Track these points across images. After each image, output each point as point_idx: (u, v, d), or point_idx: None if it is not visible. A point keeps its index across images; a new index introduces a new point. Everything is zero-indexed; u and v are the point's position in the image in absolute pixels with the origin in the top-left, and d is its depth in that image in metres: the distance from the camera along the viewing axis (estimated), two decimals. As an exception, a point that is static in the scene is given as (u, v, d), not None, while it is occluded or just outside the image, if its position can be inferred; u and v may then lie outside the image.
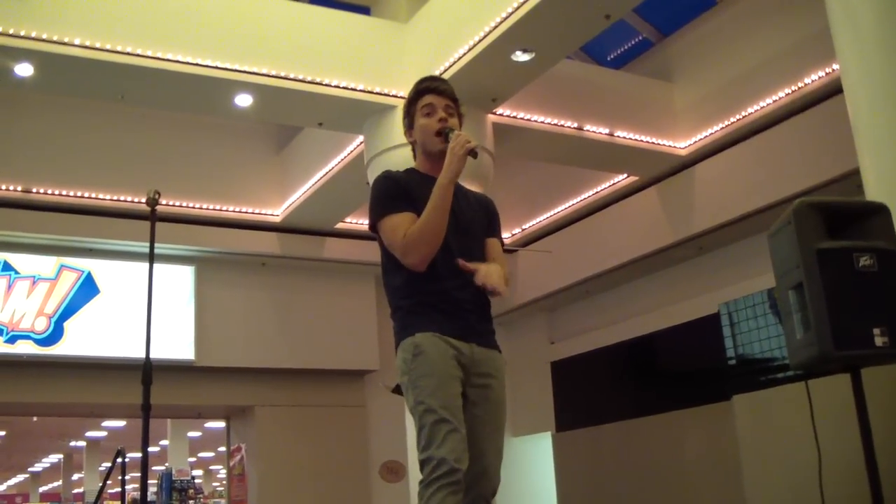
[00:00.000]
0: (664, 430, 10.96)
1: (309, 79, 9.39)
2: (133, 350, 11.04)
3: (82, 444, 28.80)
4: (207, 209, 12.53)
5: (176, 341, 12.26)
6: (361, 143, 10.40)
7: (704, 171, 11.32)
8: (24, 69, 8.61)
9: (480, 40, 8.86)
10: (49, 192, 11.56)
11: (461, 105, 3.96)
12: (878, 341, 4.13)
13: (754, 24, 10.84)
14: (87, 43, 8.47)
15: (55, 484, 39.01)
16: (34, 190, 11.49)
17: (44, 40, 8.32)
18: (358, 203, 12.12)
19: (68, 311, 11.91)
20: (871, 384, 4.34)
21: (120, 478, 9.45)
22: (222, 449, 18.23)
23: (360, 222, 13.05)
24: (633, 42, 12.57)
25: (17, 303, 11.65)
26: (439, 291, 3.62)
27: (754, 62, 10.73)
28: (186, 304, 12.57)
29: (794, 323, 4.41)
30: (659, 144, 11.40)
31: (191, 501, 15.37)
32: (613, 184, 12.68)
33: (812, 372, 4.64)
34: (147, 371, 5.66)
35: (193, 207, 12.40)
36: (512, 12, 8.39)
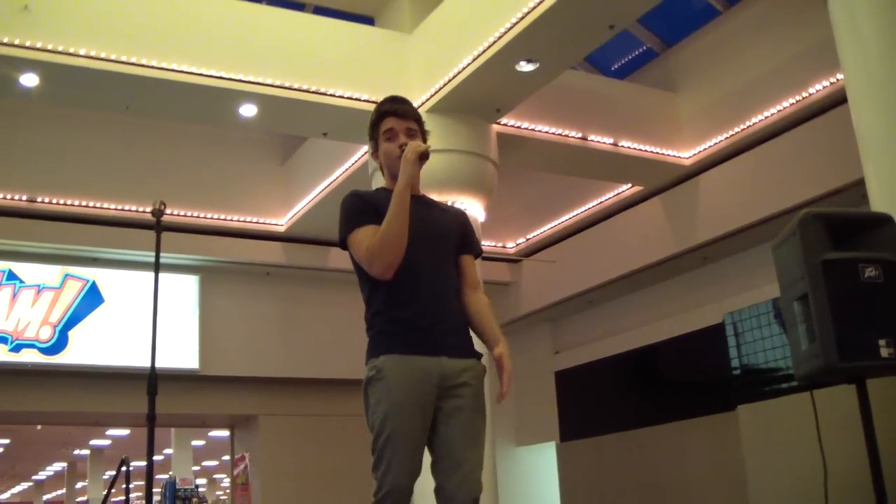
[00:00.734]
0: (668, 441, 10.94)
1: (313, 89, 9.40)
2: (137, 359, 11.08)
3: (86, 452, 28.74)
4: (212, 219, 12.55)
5: (180, 350, 12.26)
6: (366, 152, 10.41)
7: (708, 181, 11.32)
8: (29, 79, 8.62)
9: (485, 50, 8.86)
10: (54, 201, 11.58)
11: (424, 123, 3.98)
12: (884, 352, 4.13)
13: (758, 35, 10.84)
14: (93, 53, 8.49)
15: (59, 492, 38.96)
16: (39, 199, 11.51)
17: (49, 51, 8.33)
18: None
19: (73, 320, 11.92)
20: (876, 395, 4.34)
21: (124, 486, 9.42)
22: (226, 458, 18.23)
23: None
24: (637, 52, 12.57)
25: (22, 312, 11.66)
26: (407, 306, 3.63)
27: (758, 72, 10.73)
28: (191, 313, 12.58)
29: (799, 334, 4.41)
30: (663, 154, 11.39)
31: (194, 510, 15.34)
32: (617, 194, 12.67)
33: (817, 383, 4.63)
34: (153, 381, 5.66)
35: (198, 217, 12.41)
36: (516, 22, 8.39)
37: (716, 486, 9.92)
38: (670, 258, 11.89)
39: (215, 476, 38.42)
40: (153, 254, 6.03)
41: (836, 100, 9.41)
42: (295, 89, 9.34)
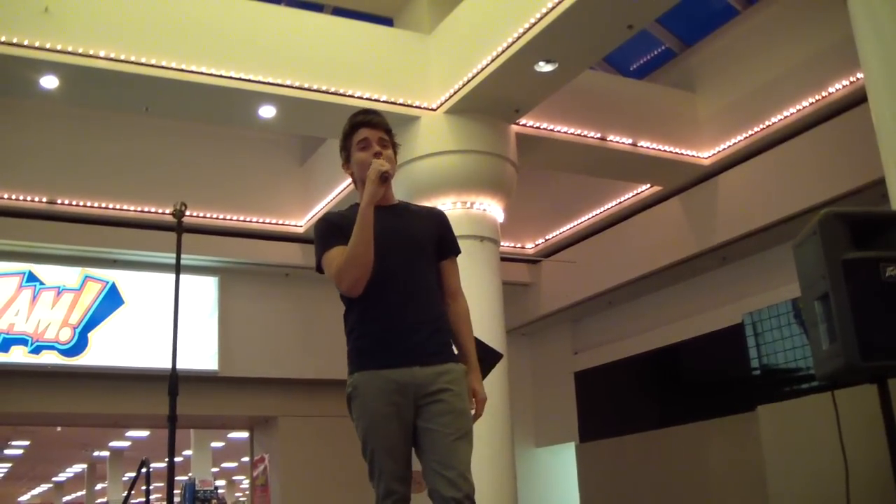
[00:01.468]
0: (688, 441, 10.91)
1: (332, 90, 9.42)
2: (157, 360, 11.14)
3: (106, 454, 28.83)
4: (231, 220, 12.57)
5: (200, 352, 12.31)
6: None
7: (728, 181, 11.28)
8: (49, 81, 8.66)
9: (503, 51, 8.86)
10: (74, 203, 11.63)
11: (394, 135, 4.05)
12: (906, 352, 4.11)
13: (777, 34, 10.80)
14: (113, 55, 8.52)
15: (79, 494, 39.10)
16: (59, 201, 11.55)
17: (69, 53, 8.37)
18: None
19: (93, 321, 11.97)
20: (898, 395, 4.32)
21: (144, 488, 9.44)
22: (245, 459, 18.25)
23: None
24: (655, 52, 12.54)
25: (42, 313, 11.71)
26: (377, 321, 3.72)
27: (777, 71, 10.69)
28: (210, 314, 12.61)
29: (820, 334, 4.39)
30: (682, 154, 11.36)
31: (214, 512, 15.38)
32: (637, 194, 12.65)
33: (838, 383, 4.61)
34: (173, 382, 5.67)
35: (217, 218, 12.44)
36: (535, 23, 8.39)
37: (736, 486, 9.89)
38: (689, 258, 11.86)
39: (234, 478, 38.47)
40: (173, 255, 6.04)
41: (856, 99, 9.37)
42: (314, 90, 9.35)
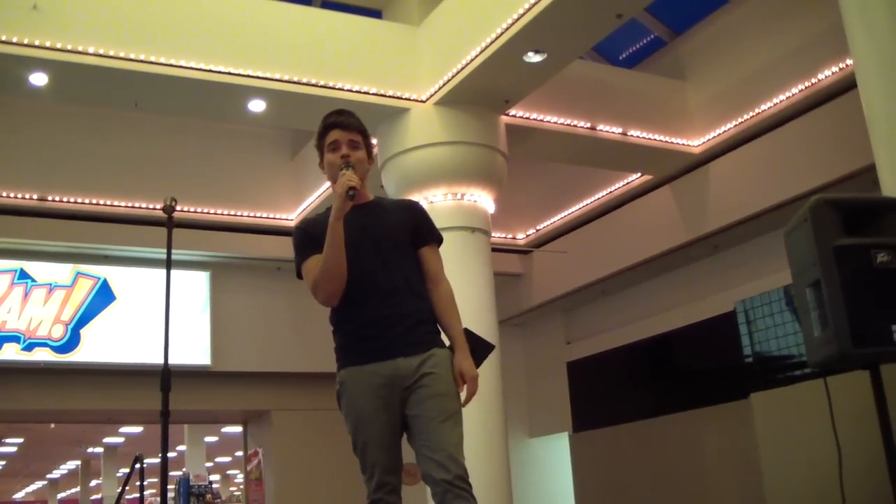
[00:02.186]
0: (682, 430, 10.94)
1: (322, 83, 9.40)
2: (149, 356, 11.13)
3: (100, 450, 28.83)
4: (222, 214, 12.56)
5: (192, 347, 12.30)
6: (375, 146, 10.41)
7: (718, 169, 11.29)
8: (38, 78, 8.64)
9: (492, 42, 8.85)
10: (64, 199, 11.60)
11: (370, 136, 4.09)
12: (898, 338, 4.11)
13: (767, 21, 10.81)
14: (101, 51, 8.50)
15: (73, 490, 39.08)
16: (49, 198, 11.53)
17: (58, 49, 8.35)
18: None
19: (85, 318, 11.95)
20: (890, 381, 4.33)
21: (138, 483, 9.44)
22: (239, 453, 18.30)
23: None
24: (645, 41, 12.54)
25: (34, 310, 11.70)
26: (357, 319, 3.81)
27: (767, 59, 10.70)
28: (202, 309, 12.60)
29: (812, 320, 4.40)
30: (672, 143, 11.37)
31: (208, 506, 15.36)
32: (627, 183, 12.65)
33: (830, 369, 4.62)
34: (166, 377, 5.66)
35: (208, 213, 12.42)
36: (523, 13, 8.38)
37: (730, 473, 9.92)
38: (681, 247, 11.86)
39: (229, 472, 38.50)
40: (164, 251, 6.03)
41: (846, 85, 9.37)
42: (303, 84, 9.34)
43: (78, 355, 11.81)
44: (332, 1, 11.35)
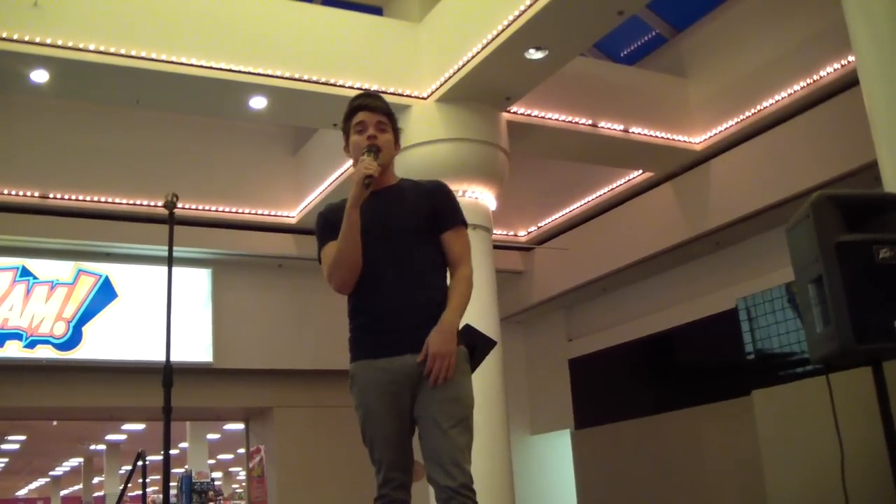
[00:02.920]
0: (683, 427, 10.94)
1: (323, 80, 9.41)
2: (151, 353, 11.14)
3: (102, 447, 28.84)
4: (223, 212, 12.55)
5: (194, 344, 12.29)
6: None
7: (720, 166, 11.29)
8: (39, 75, 8.65)
9: (493, 39, 8.85)
10: (66, 197, 11.60)
11: (396, 120, 4.10)
12: (900, 334, 4.11)
13: (768, 18, 10.80)
14: (102, 48, 8.50)
15: (76, 487, 39.15)
16: (51, 195, 11.53)
17: (59, 46, 8.36)
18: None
19: (87, 315, 11.95)
20: (893, 377, 4.32)
21: (141, 481, 9.45)
22: (241, 451, 18.30)
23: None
24: (646, 38, 12.53)
25: (36, 308, 11.70)
26: (369, 312, 3.74)
27: (768, 56, 10.69)
28: (203, 306, 12.60)
29: (814, 317, 4.39)
30: (674, 140, 11.37)
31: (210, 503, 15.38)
32: (629, 180, 12.65)
33: (833, 366, 4.62)
34: (168, 374, 5.66)
35: (209, 210, 12.42)
36: (525, 10, 8.38)
37: (732, 470, 9.93)
38: (682, 244, 11.86)
39: (231, 469, 38.51)
40: (166, 248, 6.00)
41: (848, 82, 9.37)
42: (304, 81, 9.34)
43: (80, 352, 11.81)
44: (334, -2, 11.35)
